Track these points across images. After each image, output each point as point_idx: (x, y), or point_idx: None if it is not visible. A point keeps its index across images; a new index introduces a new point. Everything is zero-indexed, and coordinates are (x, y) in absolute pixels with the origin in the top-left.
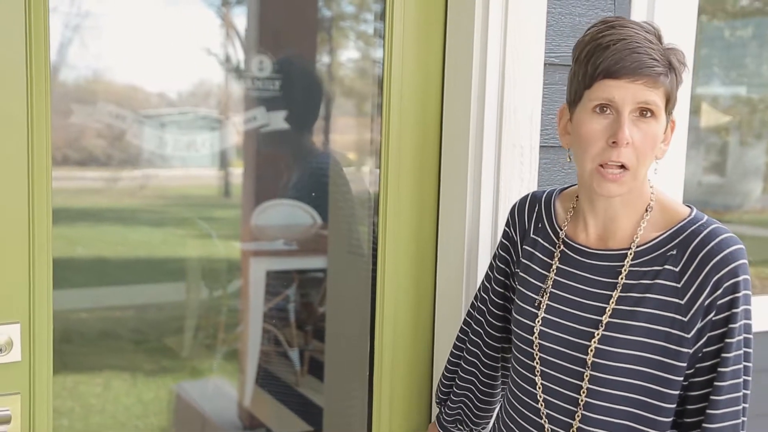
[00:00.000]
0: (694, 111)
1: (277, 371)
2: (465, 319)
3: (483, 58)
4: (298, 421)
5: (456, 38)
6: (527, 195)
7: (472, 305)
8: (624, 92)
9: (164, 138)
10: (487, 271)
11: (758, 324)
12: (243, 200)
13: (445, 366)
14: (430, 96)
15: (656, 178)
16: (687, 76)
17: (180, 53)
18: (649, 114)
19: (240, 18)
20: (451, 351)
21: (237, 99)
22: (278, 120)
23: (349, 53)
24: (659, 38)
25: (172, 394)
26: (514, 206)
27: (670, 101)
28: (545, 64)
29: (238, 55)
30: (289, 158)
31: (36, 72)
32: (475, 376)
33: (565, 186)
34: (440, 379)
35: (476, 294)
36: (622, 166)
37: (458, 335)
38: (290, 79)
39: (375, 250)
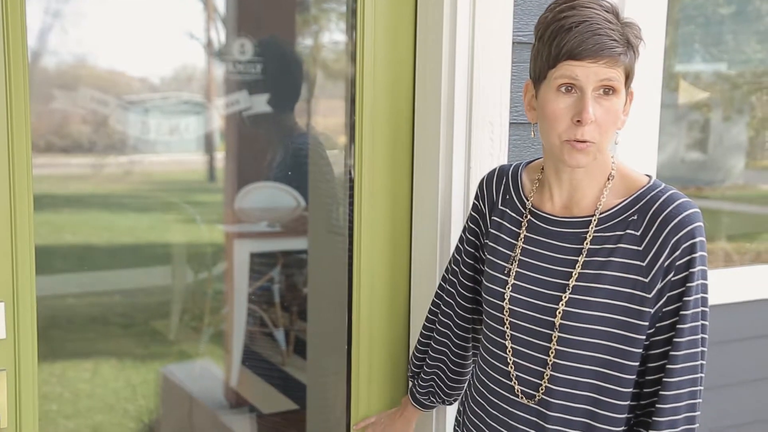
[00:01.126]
0: (675, 88)
1: (263, 351)
2: (436, 292)
3: (452, 38)
4: (284, 400)
5: (426, 18)
6: (495, 169)
7: (443, 278)
8: (586, 72)
9: (147, 123)
10: (456, 245)
11: (732, 295)
12: (225, 183)
13: (418, 339)
14: (401, 75)
15: (631, 155)
16: (658, 52)
17: (162, 38)
18: (611, 91)
19: (220, 1)
20: (423, 324)
21: (219, 83)
22: (260, 103)
23: (329, 35)
24: (617, 16)
25: (159, 377)
26: (482, 180)
27: (629, 76)
28: (513, 43)
29: (220, 38)
30: (271, 140)
31: (14, 58)
32: (448, 348)
33: (531, 159)
34: (412, 352)
35: (446, 268)
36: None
37: (430, 308)
38: (271, 62)
39: (351, 228)
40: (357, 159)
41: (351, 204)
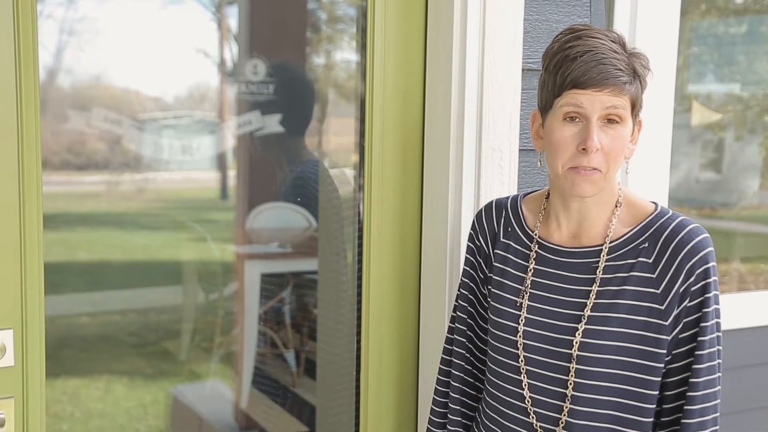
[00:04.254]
0: (687, 108)
1: (274, 373)
2: (444, 347)
3: (462, 65)
4: (294, 422)
5: (436, 45)
6: (490, 202)
7: (450, 330)
8: (592, 101)
9: (160, 142)
10: (458, 289)
11: (745, 320)
12: (237, 204)
13: (433, 399)
14: (411, 102)
15: (643, 177)
16: (670, 74)
17: (175, 57)
18: (616, 120)
19: (234, 21)
20: (437, 379)
21: (231, 103)
22: (273, 123)
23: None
24: (623, 46)
25: (169, 397)
26: (477, 215)
27: (635, 106)
28: (523, 70)
29: (233, 58)
30: (281, 162)
31: (25, 77)
32: (468, 396)
33: (528, 191)
34: (431, 407)
35: (452, 317)
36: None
37: (440, 365)
38: (283, 83)
39: (360, 251)
40: (366, 183)
41: (360, 227)
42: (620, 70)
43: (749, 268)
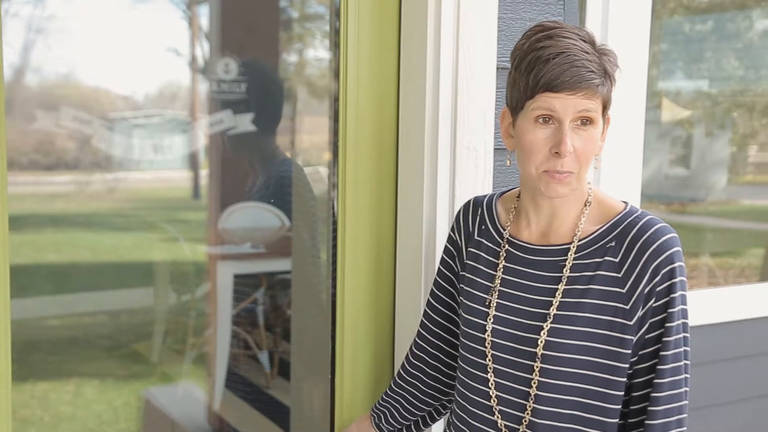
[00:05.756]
0: (657, 106)
1: (247, 374)
2: (418, 329)
3: (436, 63)
4: (268, 423)
5: (410, 43)
6: (469, 200)
7: (424, 313)
8: (565, 104)
9: (131, 141)
10: (434, 279)
11: (714, 315)
12: (209, 204)
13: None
14: (385, 101)
15: (616, 173)
16: (641, 71)
17: (145, 56)
18: (588, 122)
19: (206, 20)
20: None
21: (203, 101)
22: (245, 122)
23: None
24: (593, 45)
25: (141, 400)
26: (458, 212)
27: (607, 105)
28: (497, 68)
29: (205, 57)
30: (254, 161)
31: None
32: (420, 381)
33: (505, 189)
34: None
35: (424, 311)
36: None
37: (409, 349)
38: (255, 82)
39: (335, 250)
40: (340, 181)
41: (334, 225)
42: (592, 72)
43: (718, 263)
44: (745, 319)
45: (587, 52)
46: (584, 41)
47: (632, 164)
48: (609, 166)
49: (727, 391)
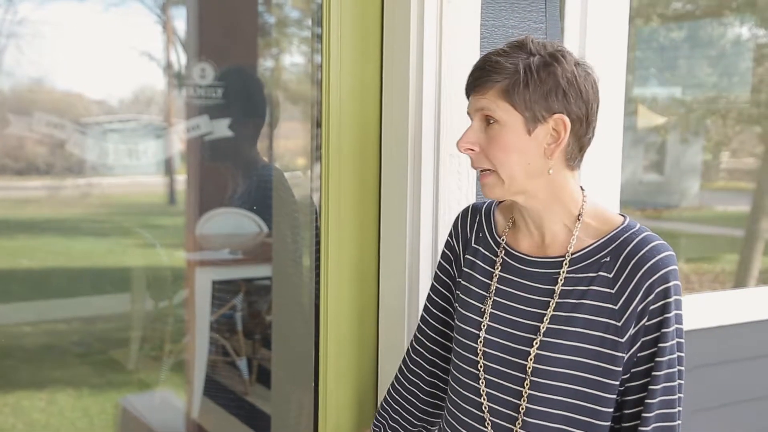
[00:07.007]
0: (633, 112)
1: (226, 381)
2: (414, 332)
3: (419, 70)
4: (247, 430)
5: (392, 49)
6: (468, 206)
7: (419, 321)
8: (472, 104)
9: (105, 146)
10: (431, 284)
11: (698, 321)
12: (187, 210)
13: (388, 389)
14: (368, 107)
15: (594, 178)
16: (619, 78)
17: (119, 60)
18: (492, 120)
19: (181, 24)
20: (399, 369)
21: (179, 107)
22: (221, 128)
23: (290, 58)
24: (537, 53)
25: (118, 408)
26: (456, 218)
27: (525, 110)
28: None
29: (180, 62)
30: (232, 167)
31: None
32: (417, 397)
33: None
34: (381, 403)
35: (421, 316)
36: (487, 169)
37: (406, 352)
38: (233, 87)
39: (318, 255)
40: (323, 187)
41: (317, 231)
42: (497, 73)
43: (693, 268)
44: (724, 325)
45: (503, 55)
46: (521, 50)
47: (611, 170)
48: (588, 173)
49: (706, 398)
